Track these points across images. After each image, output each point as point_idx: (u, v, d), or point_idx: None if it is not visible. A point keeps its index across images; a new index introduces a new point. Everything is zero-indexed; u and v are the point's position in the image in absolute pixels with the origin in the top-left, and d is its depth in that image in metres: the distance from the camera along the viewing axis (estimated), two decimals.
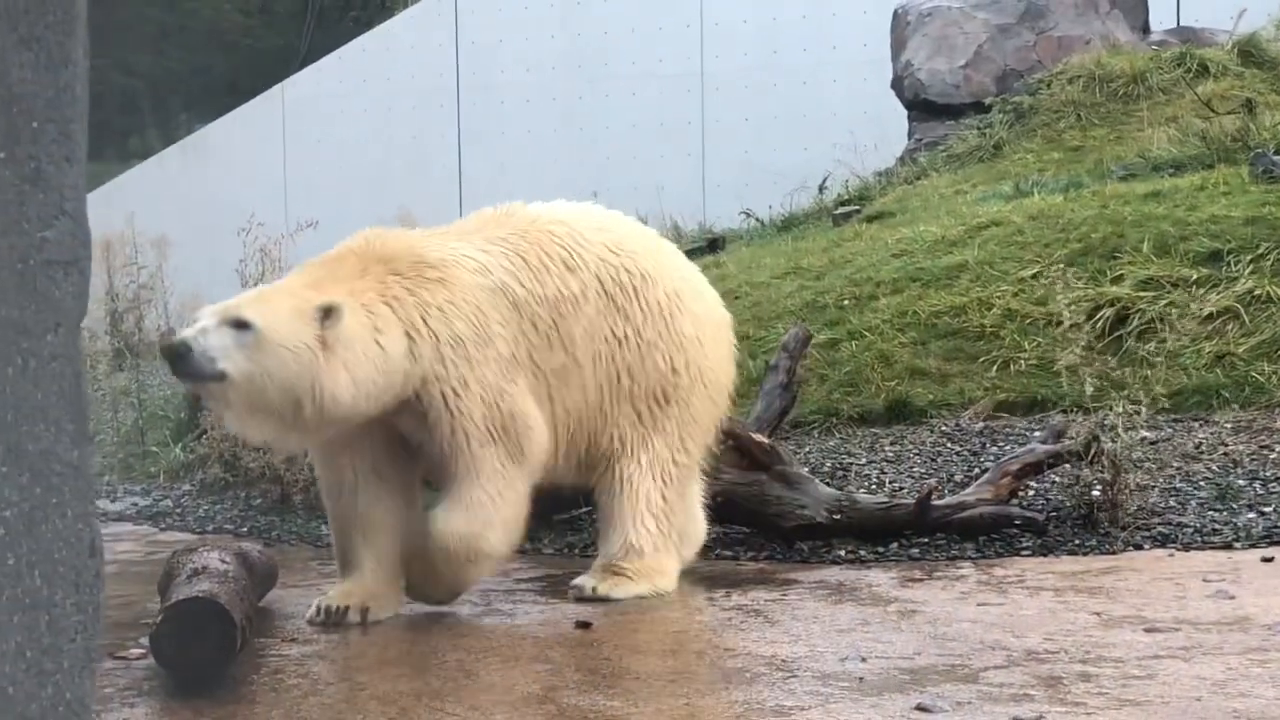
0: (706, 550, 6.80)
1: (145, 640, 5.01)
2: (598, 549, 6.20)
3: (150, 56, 28.37)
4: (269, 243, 9.16)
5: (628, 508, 6.02)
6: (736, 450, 6.92)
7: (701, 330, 6.26)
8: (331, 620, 5.60)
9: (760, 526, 6.85)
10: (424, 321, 5.58)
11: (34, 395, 1.22)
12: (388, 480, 5.81)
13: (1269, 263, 8.64)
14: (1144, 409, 7.08)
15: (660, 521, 6.08)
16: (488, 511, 5.62)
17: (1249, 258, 8.70)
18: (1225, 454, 7.24)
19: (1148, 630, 5.07)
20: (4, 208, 1.16)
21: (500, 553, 5.78)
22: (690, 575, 6.35)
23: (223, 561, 5.30)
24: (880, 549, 6.57)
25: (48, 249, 1.22)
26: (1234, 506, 6.67)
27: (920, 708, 4.32)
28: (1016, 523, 6.61)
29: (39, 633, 1.20)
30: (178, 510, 8.52)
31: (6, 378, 1.17)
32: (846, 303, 9.53)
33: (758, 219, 14.57)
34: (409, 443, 5.81)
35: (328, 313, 5.31)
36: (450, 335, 5.61)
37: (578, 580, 5.96)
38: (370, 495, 5.76)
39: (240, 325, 5.17)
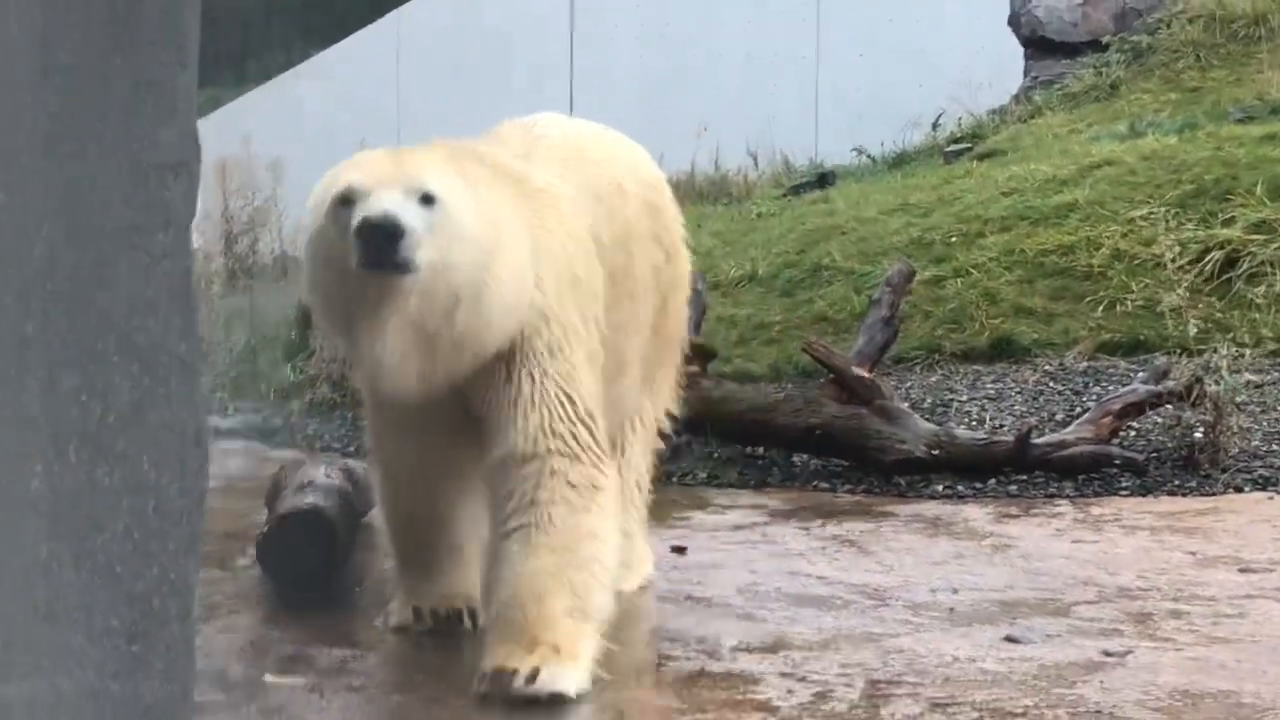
0: (804, 482, 6.85)
1: (252, 551, 5.15)
2: None
3: None
4: None
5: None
6: (837, 384, 6.95)
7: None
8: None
9: (858, 460, 6.86)
10: (543, 245, 4.21)
11: (145, 290, 1.28)
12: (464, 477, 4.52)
13: None
14: (1250, 352, 7.04)
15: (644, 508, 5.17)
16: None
17: None
18: None
19: (1242, 570, 5.07)
20: (119, 111, 1.23)
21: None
22: (786, 505, 6.40)
23: (328, 476, 5.40)
24: (978, 485, 6.56)
25: (159, 151, 1.28)
26: None
27: (1009, 639, 4.35)
28: (1116, 462, 6.58)
29: (146, 515, 1.27)
30: (287, 428, 8.68)
31: (119, 273, 1.24)
32: (954, 240, 9.47)
33: (869, 156, 14.48)
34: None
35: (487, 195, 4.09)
36: (569, 273, 4.28)
37: None
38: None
39: (426, 200, 3.87)
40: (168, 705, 1.27)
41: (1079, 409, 7.23)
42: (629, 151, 5.07)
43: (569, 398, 4.13)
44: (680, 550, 5.54)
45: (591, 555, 4.04)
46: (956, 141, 13.27)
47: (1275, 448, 6.69)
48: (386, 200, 3.82)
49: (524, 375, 4.12)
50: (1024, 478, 6.58)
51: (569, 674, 3.89)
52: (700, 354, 7.08)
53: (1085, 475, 6.55)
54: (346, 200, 3.89)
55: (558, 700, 3.82)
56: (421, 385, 3.98)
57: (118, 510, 1.23)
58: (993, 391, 7.88)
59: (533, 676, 3.86)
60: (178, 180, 1.33)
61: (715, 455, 7.16)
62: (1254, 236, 8.55)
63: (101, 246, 1.19)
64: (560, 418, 4.10)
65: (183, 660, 1.30)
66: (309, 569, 4.89)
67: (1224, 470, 6.46)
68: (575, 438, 4.10)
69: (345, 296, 3.98)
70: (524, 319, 4.09)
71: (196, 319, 1.40)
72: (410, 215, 3.80)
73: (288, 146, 15.92)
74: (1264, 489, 6.29)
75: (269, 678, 4.14)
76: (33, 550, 1.12)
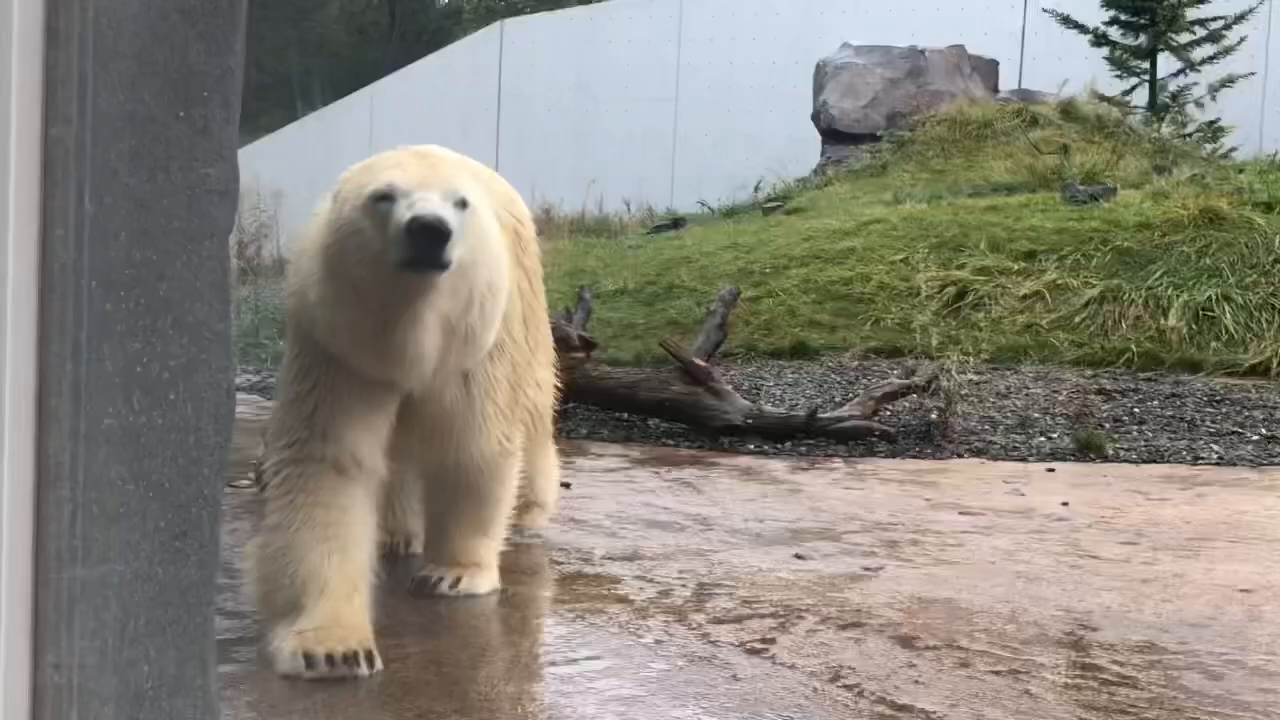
0: (656, 440, 6.87)
1: (251, 475, 5.04)
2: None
3: (277, 60, 28.11)
4: None
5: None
6: (682, 370, 6.98)
7: None
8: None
9: (695, 425, 6.91)
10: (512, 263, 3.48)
11: (194, 282, 1.26)
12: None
13: (1069, 261, 8.71)
14: (972, 359, 7.16)
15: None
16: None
17: (1055, 257, 8.77)
18: (1026, 395, 7.32)
19: (961, 513, 5.16)
20: (181, 152, 1.21)
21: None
22: (643, 456, 6.41)
23: None
24: (779, 446, 6.64)
25: (209, 181, 1.26)
26: (1029, 432, 6.75)
27: (797, 556, 4.38)
28: (876, 433, 6.69)
29: (189, 448, 1.25)
30: None
31: (176, 270, 1.22)
32: (768, 270, 9.54)
33: (709, 207, 14.55)
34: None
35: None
36: (512, 283, 3.50)
37: None
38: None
39: (460, 204, 3.03)
40: (199, 586, 1.25)
41: (851, 394, 7.33)
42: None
43: (515, 400, 3.60)
44: (566, 485, 5.52)
45: (501, 498, 3.72)
46: (771, 200, 13.37)
47: (986, 428, 6.83)
48: (434, 202, 2.95)
49: (490, 380, 3.46)
50: (811, 442, 6.66)
51: (484, 580, 3.75)
52: (586, 345, 7.08)
53: (854, 441, 6.64)
54: (386, 197, 2.97)
55: (474, 597, 3.71)
56: (429, 375, 3.18)
57: (168, 443, 1.21)
58: (791, 380, 7.95)
59: (455, 583, 3.70)
60: (222, 203, 1.32)
61: (593, 418, 7.16)
62: (978, 277, 8.72)
63: (163, 248, 1.17)
64: (507, 417, 3.56)
65: (211, 554, 1.28)
66: None
67: (950, 442, 6.59)
68: (513, 428, 3.64)
69: (373, 288, 3.02)
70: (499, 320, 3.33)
71: (230, 305, 1.38)
72: (452, 218, 2.95)
73: (287, 180, 15.66)
74: (977, 456, 6.42)
75: None
76: (105, 470, 1.10)
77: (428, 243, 2.87)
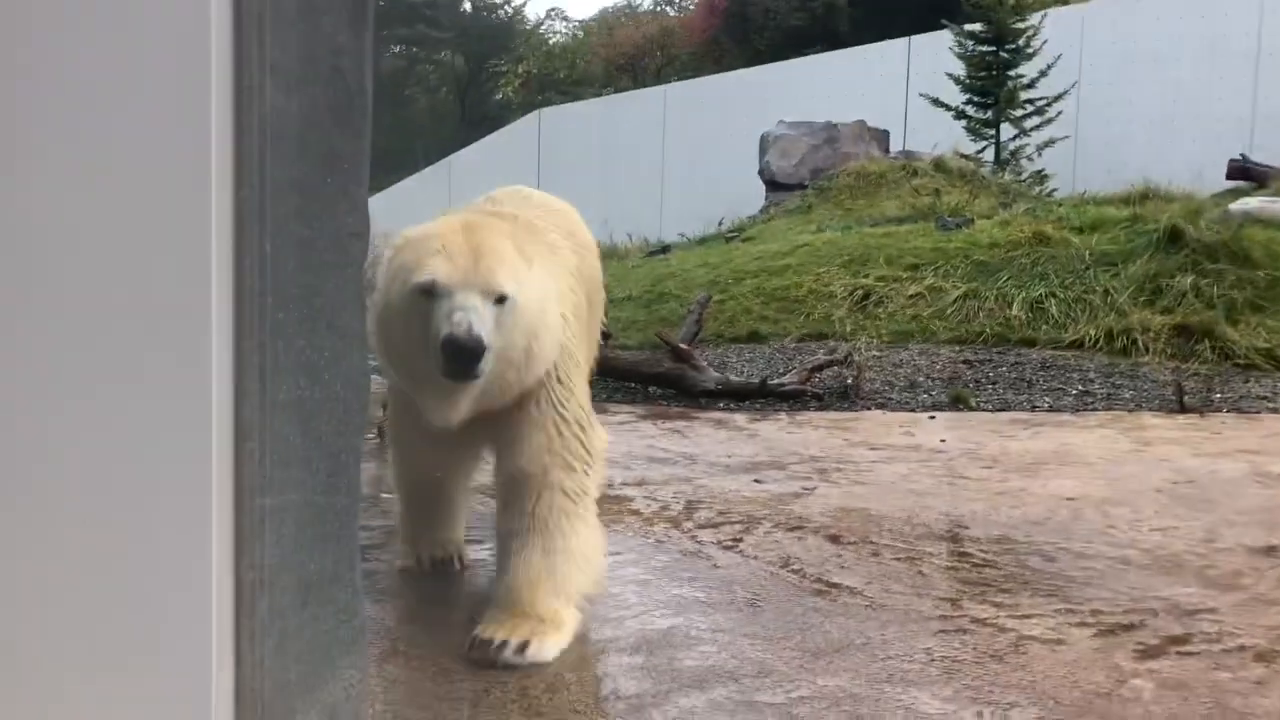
0: (654, 401, 6.86)
1: (375, 430, 4.97)
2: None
3: (386, 138, 28.03)
4: None
5: None
6: (672, 352, 6.97)
7: None
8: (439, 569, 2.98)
9: (681, 390, 6.89)
10: (561, 289, 2.57)
11: (340, 297, 1.26)
12: (465, 469, 2.94)
13: (941, 271, 8.65)
14: (875, 341, 7.14)
15: None
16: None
17: (931, 268, 8.72)
18: (913, 365, 7.29)
19: (871, 449, 5.16)
20: (329, 206, 1.21)
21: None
22: (646, 413, 6.39)
23: None
24: (741, 404, 6.61)
25: (349, 227, 1.26)
26: (916, 391, 6.72)
27: (756, 480, 4.40)
28: (809, 394, 6.67)
29: (338, 413, 1.24)
30: None
31: (328, 289, 1.22)
32: (730, 281, 9.48)
33: (687, 237, 14.50)
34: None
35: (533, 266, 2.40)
36: (573, 308, 2.63)
37: None
38: (454, 477, 2.91)
39: (499, 300, 2.25)
40: (347, 510, 1.26)
41: (791, 367, 7.31)
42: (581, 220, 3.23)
43: (565, 419, 2.50)
44: None
45: (577, 551, 2.47)
46: (731, 232, 13.31)
47: (886, 389, 6.80)
48: (471, 312, 2.20)
49: (533, 403, 2.48)
50: (763, 401, 6.64)
51: (553, 644, 2.39)
52: (604, 336, 7.05)
53: (793, 400, 6.62)
54: (428, 292, 2.25)
55: (539, 667, 2.34)
56: (463, 419, 2.38)
57: (324, 410, 1.21)
58: (749, 358, 7.91)
59: (522, 648, 2.35)
60: (358, 241, 1.31)
61: (610, 387, 7.16)
62: (878, 283, 8.68)
63: (318, 274, 1.17)
64: (557, 435, 2.48)
65: (355, 487, 1.29)
66: None
67: (861, 399, 6.57)
68: (570, 451, 2.49)
69: (414, 361, 2.32)
70: (554, 359, 2.50)
71: (364, 313, 1.38)
72: (487, 325, 2.22)
73: (392, 223, 15.63)
74: (880, 409, 6.39)
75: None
76: (282, 429, 1.10)
77: (465, 359, 2.19)
